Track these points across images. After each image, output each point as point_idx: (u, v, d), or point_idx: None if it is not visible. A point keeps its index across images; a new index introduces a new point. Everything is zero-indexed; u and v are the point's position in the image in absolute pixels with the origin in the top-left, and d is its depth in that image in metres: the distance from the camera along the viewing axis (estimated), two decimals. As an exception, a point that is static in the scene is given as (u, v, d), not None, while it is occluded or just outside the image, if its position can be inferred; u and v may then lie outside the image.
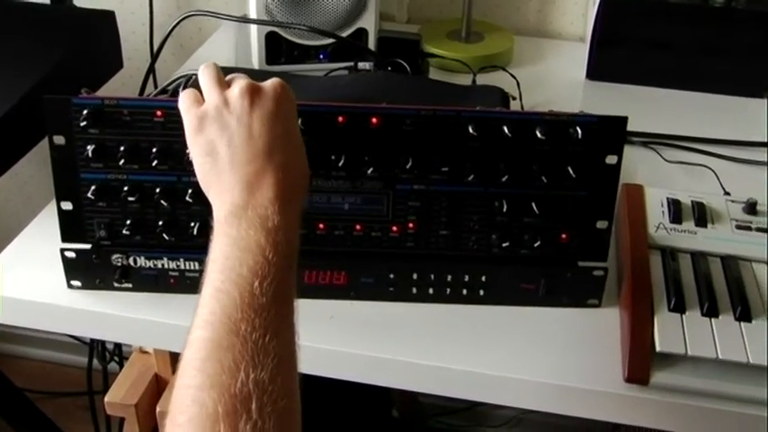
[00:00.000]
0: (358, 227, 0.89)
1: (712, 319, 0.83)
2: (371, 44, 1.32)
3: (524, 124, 0.83)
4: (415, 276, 0.90)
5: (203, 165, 0.72)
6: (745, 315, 0.83)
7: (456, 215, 0.88)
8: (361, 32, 1.31)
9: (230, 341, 0.58)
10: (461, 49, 1.36)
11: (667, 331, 0.82)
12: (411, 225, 0.88)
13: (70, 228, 0.89)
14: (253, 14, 1.27)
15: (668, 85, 1.34)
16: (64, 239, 0.89)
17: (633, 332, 0.82)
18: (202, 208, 0.87)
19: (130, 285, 0.92)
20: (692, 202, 0.96)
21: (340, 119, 0.84)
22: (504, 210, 0.86)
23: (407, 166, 0.85)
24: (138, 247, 0.90)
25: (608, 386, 0.83)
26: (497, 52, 1.37)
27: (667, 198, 0.97)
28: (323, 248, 0.90)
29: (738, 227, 0.93)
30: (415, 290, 0.91)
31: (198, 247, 0.89)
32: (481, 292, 0.91)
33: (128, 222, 0.88)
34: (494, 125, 0.83)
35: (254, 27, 1.29)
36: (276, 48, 1.31)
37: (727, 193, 1.01)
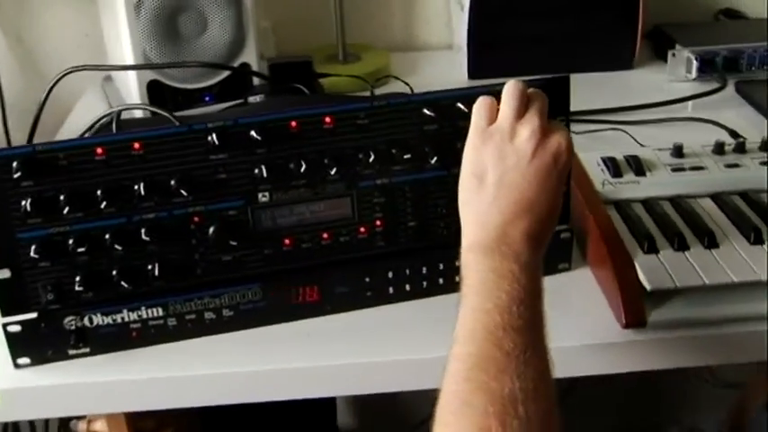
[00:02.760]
0: (325, 235, 0.85)
1: (686, 253, 0.86)
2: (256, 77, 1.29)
3: (475, 98, 0.83)
4: (390, 275, 0.88)
5: (469, 182, 0.74)
6: (712, 243, 0.87)
7: (422, 204, 0.86)
8: (245, 67, 1.28)
9: (494, 355, 0.61)
10: (347, 70, 1.36)
11: (651, 271, 0.84)
12: (378, 223, 0.86)
13: (10, 298, 0.80)
14: (131, 63, 1.21)
15: (545, 71, 1.39)
16: (5, 313, 0.80)
17: (620, 279, 0.83)
18: (159, 247, 0.81)
19: (88, 350, 0.83)
20: (624, 157, 1.00)
21: (293, 124, 0.81)
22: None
23: (369, 161, 0.83)
24: (93, 304, 0.82)
25: (607, 337, 0.83)
26: (379, 67, 1.38)
27: (601, 158, 1.00)
28: (291, 266, 0.85)
29: (674, 170, 0.98)
30: (391, 289, 0.89)
31: (160, 291, 0.83)
32: (457, 279, 0.89)
33: (78, 278, 0.80)
34: (448, 103, 0.83)
35: (133, 78, 1.23)
36: (159, 96, 1.26)
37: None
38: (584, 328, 0.84)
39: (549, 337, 0.66)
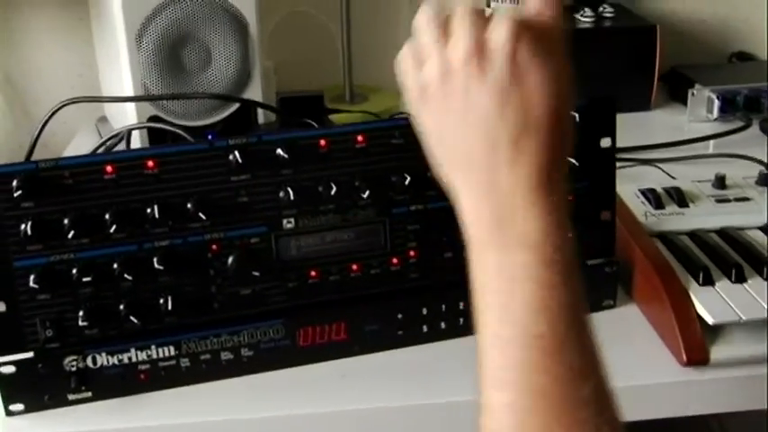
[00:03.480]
0: (354, 266, 0.78)
1: (744, 285, 0.79)
2: (261, 115, 1.23)
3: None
4: (425, 311, 0.80)
5: (436, 149, 0.60)
6: (772, 273, 0.80)
7: (459, 232, 0.79)
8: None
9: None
10: (357, 109, 1.30)
11: (711, 304, 0.77)
12: (412, 253, 0.79)
13: (5, 335, 0.71)
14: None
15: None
16: (-2, 352, 0.71)
17: (677, 313, 0.76)
18: (173, 278, 0.73)
19: (90, 394, 0.74)
20: (664, 189, 0.94)
21: (322, 143, 0.74)
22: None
23: (403, 184, 0.76)
24: (97, 342, 0.73)
25: (665, 377, 0.76)
26: (389, 107, 1.33)
27: (640, 190, 0.94)
28: (317, 299, 0.77)
29: (718, 200, 0.92)
30: (425, 328, 0.81)
31: (172, 328, 0.74)
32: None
33: (81, 313, 0.72)
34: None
35: (132, 112, 1.16)
36: (159, 136, 1.18)
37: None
38: (637, 368, 0.77)
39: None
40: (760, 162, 1.07)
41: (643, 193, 0.93)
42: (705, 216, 0.90)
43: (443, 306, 0.80)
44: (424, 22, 0.58)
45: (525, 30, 0.54)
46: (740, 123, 1.25)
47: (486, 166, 0.55)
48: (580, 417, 0.51)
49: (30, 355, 0.72)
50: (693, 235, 0.88)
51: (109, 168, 0.70)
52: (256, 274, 0.75)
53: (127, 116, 1.18)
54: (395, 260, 0.78)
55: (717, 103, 1.28)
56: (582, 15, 1.36)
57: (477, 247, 0.57)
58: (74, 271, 0.71)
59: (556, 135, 0.55)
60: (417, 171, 0.76)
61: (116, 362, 0.74)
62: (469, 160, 0.56)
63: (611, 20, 1.38)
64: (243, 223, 0.74)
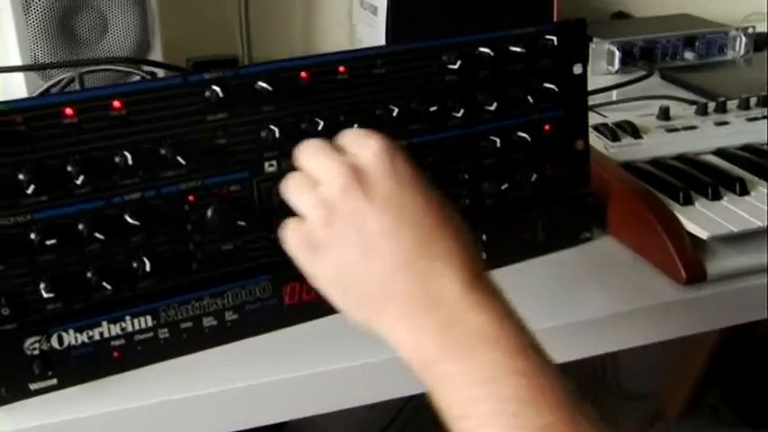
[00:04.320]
0: (340, 211, 0.71)
1: (722, 201, 0.80)
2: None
3: (499, 43, 0.74)
4: (414, 256, 0.75)
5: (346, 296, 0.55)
6: (744, 190, 0.81)
7: (444, 169, 0.75)
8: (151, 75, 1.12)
9: None
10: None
11: (700, 220, 0.76)
12: (398, 194, 0.73)
13: (-50, 319, 0.59)
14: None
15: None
16: (-59, 341, 0.59)
17: (670, 233, 0.75)
18: (146, 237, 0.64)
19: (55, 381, 0.63)
20: (613, 124, 0.93)
21: (303, 75, 0.67)
22: (493, 148, 0.75)
23: (387, 118, 0.70)
24: (63, 317, 0.63)
25: (665, 297, 0.74)
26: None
27: (592, 126, 0.93)
28: (304, 252, 0.70)
29: (668, 130, 0.93)
30: (416, 274, 0.75)
31: (148, 295, 0.65)
32: (484, 256, 0.78)
33: (42, 285, 0.61)
34: (470, 50, 0.73)
35: (20, 84, 1.03)
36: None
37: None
38: (633, 292, 0.75)
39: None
40: (683, 100, 1.09)
41: (596, 128, 0.92)
42: (661, 145, 0.90)
43: (433, 249, 0.75)
44: (288, 185, 0.56)
45: (389, 141, 0.53)
46: (641, 73, 1.28)
47: (411, 284, 0.51)
48: None
49: (-18, 340, 0.61)
50: (656, 162, 0.87)
51: (68, 111, 0.60)
52: (241, 225, 0.67)
53: (14, 90, 1.05)
54: (381, 202, 0.72)
55: (618, 54, 1.30)
56: None
57: (432, 371, 0.50)
58: (31, 235, 0.60)
59: (463, 233, 0.53)
60: (401, 103, 0.71)
61: (86, 339, 0.64)
62: (390, 288, 0.51)
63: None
64: (222, 169, 0.66)
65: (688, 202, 0.79)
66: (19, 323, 0.61)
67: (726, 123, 0.94)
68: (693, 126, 0.93)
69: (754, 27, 1.38)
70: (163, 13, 1.11)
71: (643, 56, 1.33)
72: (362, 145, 0.54)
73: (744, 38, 1.36)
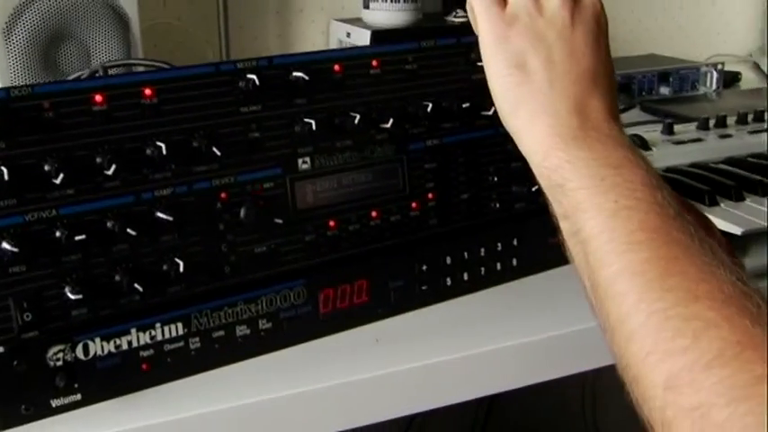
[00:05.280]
0: (374, 213, 0.68)
1: (746, 202, 0.79)
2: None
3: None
4: (448, 261, 0.71)
5: (509, 78, 0.57)
6: (766, 191, 0.81)
7: (474, 171, 0.72)
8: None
9: (675, 252, 0.46)
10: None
11: (730, 218, 0.75)
12: (431, 196, 0.70)
13: (-34, 326, 0.54)
14: None
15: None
16: (-44, 350, 0.53)
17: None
18: (177, 236, 0.59)
19: (79, 397, 0.57)
20: (621, 137, 0.93)
21: (336, 68, 0.65)
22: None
23: (419, 115, 0.68)
24: (89, 324, 0.57)
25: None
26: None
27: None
28: (336, 254, 0.67)
29: (675, 143, 0.93)
30: (449, 281, 0.72)
31: (178, 300, 0.60)
32: (514, 262, 0.75)
33: (68, 287, 0.56)
34: (496, 47, 0.71)
35: None
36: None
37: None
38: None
39: None
40: (673, 116, 1.10)
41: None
42: (673, 155, 0.90)
43: (466, 254, 0.72)
44: None
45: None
46: (622, 105, 1.29)
47: (564, 100, 0.56)
48: (710, 261, 0.46)
49: (0, 349, 0.55)
50: (672, 170, 0.87)
51: (98, 98, 0.56)
52: (274, 225, 0.63)
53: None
54: (414, 204, 0.70)
55: (598, 88, 1.31)
56: (455, 16, 1.36)
57: (558, 155, 0.54)
58: (57, 233, 0.55)
59: (614, 86, 0.60)
60: (433, 99, 0.69)
61: (112, 349, 0.58)
62: (547, 93, 0.57)
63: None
64: (255, 165, 0.62)
65: (714, 203, 0.78)
66: (41, 330, 0.55)
67: (729, 136, 0.94)
68: (699, 139, 0.93)
69: (723, 63, 1.41)
70: (146, 44, 1.07)
71: (621, 91, 1.34)
72: None
73: (715, 73, 1.39)
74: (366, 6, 1.29)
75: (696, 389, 0.41)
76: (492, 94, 0.58)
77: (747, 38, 1.71)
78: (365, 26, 1.29)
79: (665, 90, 1.37)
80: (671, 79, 1.38)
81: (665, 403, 0.42)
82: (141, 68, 0.96)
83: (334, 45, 1.37)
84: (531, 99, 0.56)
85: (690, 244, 0.47)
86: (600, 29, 0.59)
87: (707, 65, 1.41)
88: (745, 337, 0.41)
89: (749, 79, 1.55)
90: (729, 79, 1.46)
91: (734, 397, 0.39)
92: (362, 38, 1.28)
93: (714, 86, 1.40)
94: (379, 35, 1.26)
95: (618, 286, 0.47)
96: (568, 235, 0.53)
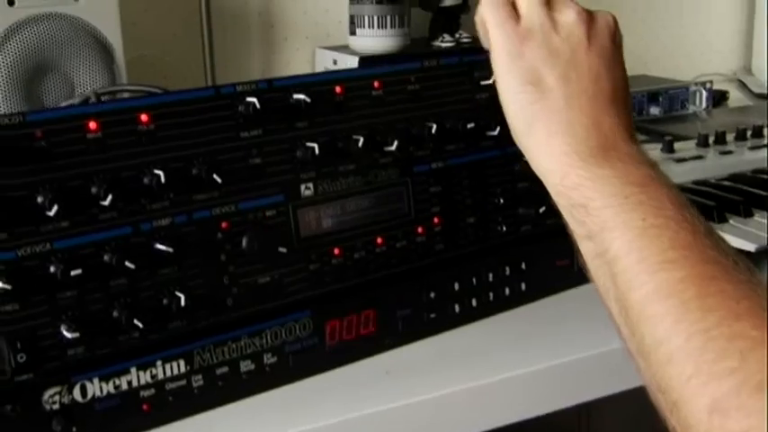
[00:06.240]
0: (379, 240, 0.65)
1: (754, 218, 0.78)
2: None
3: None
4: (456, 287, 0.69)
5: (523, 95, 0.56)
6: (774, 206, 0.80)
7: (479, 194, 0.70)
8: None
9: (711, 270, 0.45)
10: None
11: (741, 235, 0.74)
12: (437, 220, 0.68)
13: (-45, 369, 0.50)
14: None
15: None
16: (-55, 396, 0.50)
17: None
18: (177, 269, 0.56)
19: (78, 442, 0.54)
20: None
21: (337, 90, 0.63)
22: (528, 170, 0.71)
23: (424, 136, 0.66)
24: (87, 364, 0.54)
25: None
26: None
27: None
28: (342, 284, 0.64)
29: (677, 161, 0.92)
30: (458, 307, 0.69)
31: (180, 336, 0.57)
32: (523, 286, 0.73)
33: (63, 326, 0.53)
34: (499, 66, 0.70)
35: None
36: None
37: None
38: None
39: None
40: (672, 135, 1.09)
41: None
42: (675, 174, 0.88)
43: (474, 279, 0.70)
44: None
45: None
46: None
47: (582, 117, 0.54)
48: (747, 278, 0.45)
49: (-8, 394, 0.51)
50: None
51: (92, 125, 0.53)
52: (278, 255, 0.60)
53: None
54: (420, 229, 0.67)
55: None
56: (441, 41, 1.35)
57: (575, 174, 0.52)
58: (51, 268, 0.52)
59: (630, 104, 0.58)
60: (437, 120, 0.67)
61: (112, 389, 0.55)
62: (563, 112, 0.55)
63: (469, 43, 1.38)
64: (257, 192, 0.60)
65: (723, 219, 0.76)
66: (36, 372, 0.52)
67: (729, 153, 0.93)
68: (700, 156, 0.92)
69: (711, 82, 1.41)
70: (130, 76, 1.05)
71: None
72: (602, 12, 0.59)
73: (704, 92, 1.39)
74: (353, 33, 1.27)
75: (746, 413, 0.38)
76: (504, 111, 0.56)
77: (730, 57, 1.72)
78: (352, 53, 1.27)
79: (655, 110, 1.36)
80: (660, 99, 1.37)
81: (711, 428, 0.40)
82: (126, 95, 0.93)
83: (320, 73, 1.36)
84: (546, 117, 0.54)
85: (725, 262, 0.45)
86: (615, 46, 0.58)
87: (696, 84, 1.40)
88: None
89: (736, 98, 1.55)
90: (718, 98, 1.46)
91: None
92: (350, 64, 1.26)
93: (704, 105, 1.40)
94: (367, 61, 1.25)
95: (653, 308, 0.45)
96: (592, 256, 0.50)
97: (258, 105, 0.58)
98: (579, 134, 0.53)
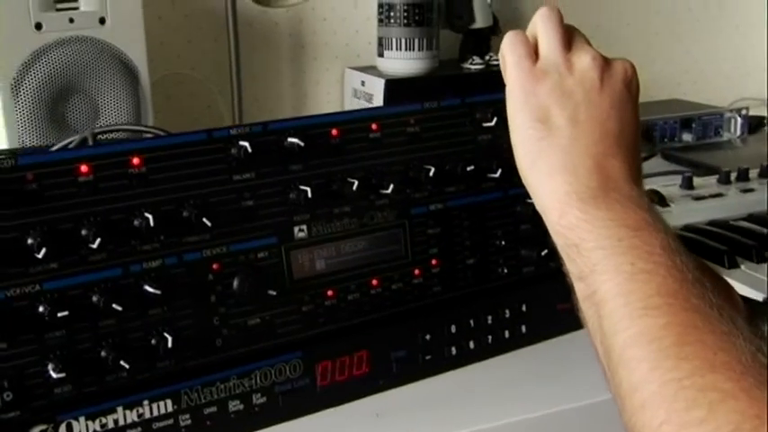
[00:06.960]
0: (374, 281, 0.65)
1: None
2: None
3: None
4: (453, 329, 0.69)
5: (531, 131, 0.56)
6: (789, 251, 0.77)
7: (480, 235, 0.70)
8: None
9: (693, 319, 0.45)
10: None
11: (751, 283, 0.72)
12: (434, 262, 0.68)
13: (-57, 407, 0.52)
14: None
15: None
16: (-68, 433, 0.51)
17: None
18: (166, 310, 0.57)
19: (62, 482, 0.55)
20: (638, 193, 0.90)
21: (333, 132, 0.63)
22: (530, 212, 0.70)
23: (421, 179, 0.66)
24: (73, 403, 0.55)
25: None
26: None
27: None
28: (335, 325, 0.64)
29: (695, 198, 0.90)
30: (454, 350, 0.69)
31: (168, 376, 0.58)
32: (523, 329, 0.72)
33: (50, 366, 0.54)
34: (500, 107, 0.69)
35: None
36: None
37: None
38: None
39: None
40: (695, 165, 1.07)
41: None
42: (692, 212, 0.87)
43: (472, 321, 0.69)
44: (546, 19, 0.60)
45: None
46: (644, 153, 1.26)
47: (585, 159, 0.55)
48: (729, 330, 0.44)
49: (-21, 432, 0.53)
50: (690, 229, 0.84)
51: (84, 168, 0.54)
52: (269, 296, 0.61)
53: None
54: (417, 271, 0.67)
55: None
56: (471, 63, 1.34)
57: (573, 213, 0.52)
58: (40, 308, 0.53)
59: (638, 149, 0.58)
60: (437, 162, 0.66)
61: (98, 428, 0.56)
62: (567, 151, 0.55)
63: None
64: (248, 234, 0.60)
65: (734, 265, 0.75)
66: (23, 410, 0.53)
67: (751, 190, 0.91)
68: (720, 194, 0.90)
69: (747, 108, 1.38)
70: (158, 95, 1.07)
71: (642, 137, 1.31)
72: (620, 59, 0.59)
73: (739, 119, 1.36)
74: (380, 55, 1.28)
75: None
76: (513, 146, 0.57)
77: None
78: (380, 74, 1.28)
79: (687, 137, 1.34)
80: (693, 125, 1.34)
81: None
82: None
83: (348, 93, 1.36)
84: (551, 154, 0.55)
85: (708, 312, 0.45)
86: (629, 93, 0.58)
87: (731, 110, 1.37)
88: (764, 410, 0.39)
89: (775, 125, 1.52)
90: (755, 124, 1.42)
91: None
92: (377, 86, 1.27)
93: (738, 132, 1.37)
94: (394, 84, 1.25)
95: (632, 352, 0.45)
96: (583, 297, 0.51)
97: (250, 149, 0.58)
98: (581, 174, 0.54)
